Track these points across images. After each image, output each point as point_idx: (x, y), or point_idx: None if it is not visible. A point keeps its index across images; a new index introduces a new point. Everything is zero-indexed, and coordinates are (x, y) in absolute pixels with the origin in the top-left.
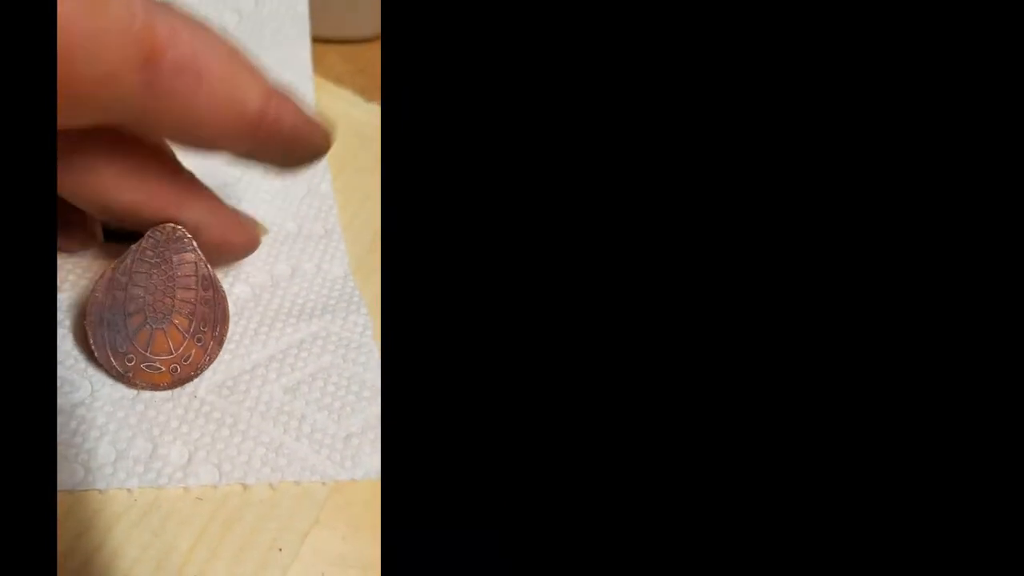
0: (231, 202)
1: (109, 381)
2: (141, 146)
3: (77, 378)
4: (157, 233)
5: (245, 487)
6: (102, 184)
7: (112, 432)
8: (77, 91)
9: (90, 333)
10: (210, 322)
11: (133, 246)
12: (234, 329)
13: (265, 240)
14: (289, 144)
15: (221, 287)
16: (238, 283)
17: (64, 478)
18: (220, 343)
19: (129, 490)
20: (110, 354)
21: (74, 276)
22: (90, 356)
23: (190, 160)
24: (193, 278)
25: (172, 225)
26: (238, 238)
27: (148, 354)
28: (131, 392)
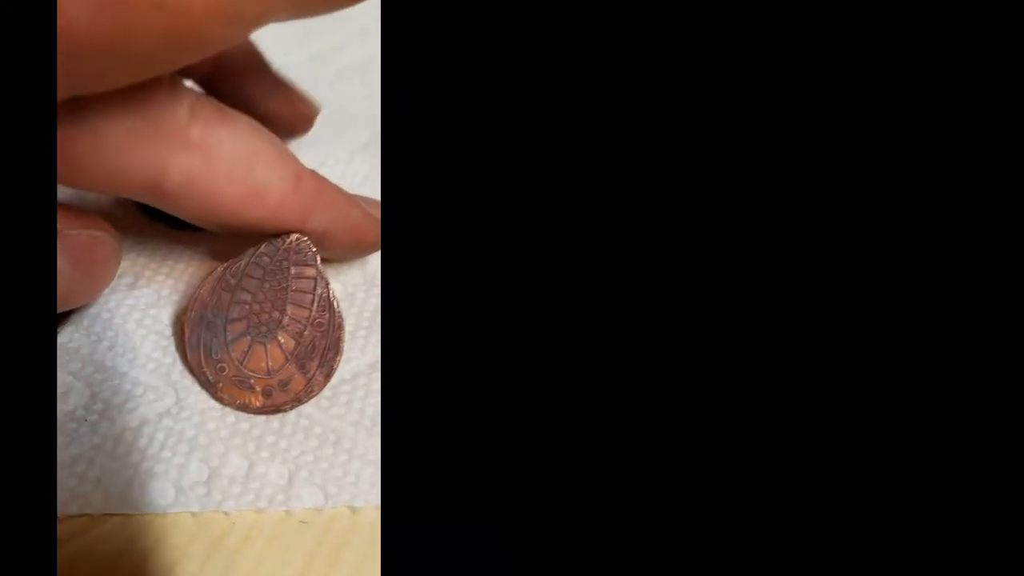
0: None
1: (196, 389)
2: (264, 163)
3: (162, 384)
4: (278, 241)
5: (353, 510)
6: (225, 206)
7: (203, 447)
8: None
9: (187, 330)
10: (319, 350)
11: (250, 248)
12: None
13: None
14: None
15: (339, 312)
16: (330, 281)
17: (153, 499)
18: (327, 376)
19: (226, 513)
20: (202, 358)
21: (149, 271)
22: (175, 361)
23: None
24: (310, 296)
25: (297, 236)
26: (369, 237)
27: (243, 368)
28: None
